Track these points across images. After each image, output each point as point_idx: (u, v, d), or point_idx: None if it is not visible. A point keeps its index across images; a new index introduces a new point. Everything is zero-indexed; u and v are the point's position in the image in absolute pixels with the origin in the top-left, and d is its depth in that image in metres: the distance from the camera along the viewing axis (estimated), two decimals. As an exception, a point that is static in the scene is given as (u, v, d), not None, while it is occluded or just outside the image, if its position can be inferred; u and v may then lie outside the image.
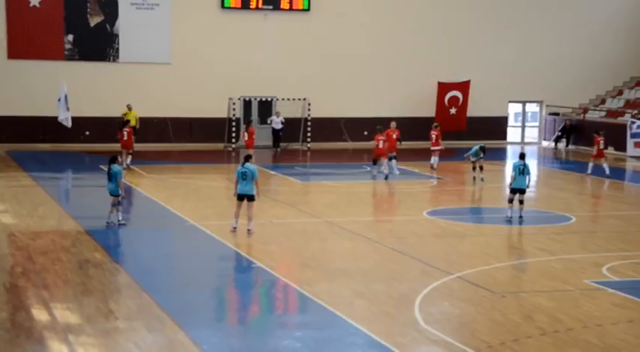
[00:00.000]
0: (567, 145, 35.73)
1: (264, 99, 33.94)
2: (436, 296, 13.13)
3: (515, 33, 36.39)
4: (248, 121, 29.78)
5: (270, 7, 33.95)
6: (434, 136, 27.80)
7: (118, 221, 17.89)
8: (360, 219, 19.76)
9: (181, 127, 32.99)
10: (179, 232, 18.02)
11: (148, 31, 32.93)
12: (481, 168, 24.83)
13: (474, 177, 25.05)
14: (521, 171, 18.88)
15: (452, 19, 35.75)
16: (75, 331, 11.43)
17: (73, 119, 30.39)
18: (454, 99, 35.35)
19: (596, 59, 37.36)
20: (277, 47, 34.11)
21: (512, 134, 38.03)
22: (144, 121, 31.69)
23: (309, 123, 34.00)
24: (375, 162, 25.98)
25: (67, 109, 30.15)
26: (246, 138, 27.81)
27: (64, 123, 30.32)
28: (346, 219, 19.39)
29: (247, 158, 17.56)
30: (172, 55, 33.30)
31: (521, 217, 18.90)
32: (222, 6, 33.65)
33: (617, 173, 28.87)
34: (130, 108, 31.10)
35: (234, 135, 32.76)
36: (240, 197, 17.15)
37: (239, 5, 33.73)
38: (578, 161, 31.82)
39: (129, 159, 26.51)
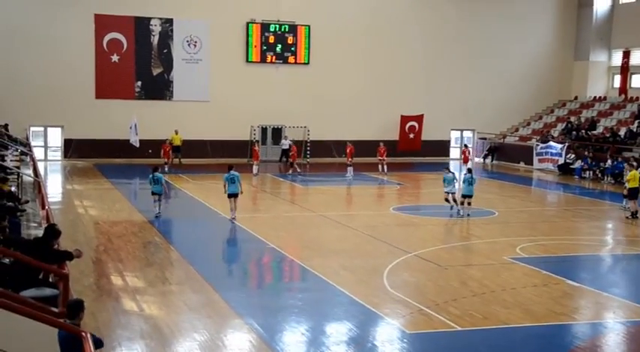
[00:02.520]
0: (492, 161, 35.75)
1: (276, 126, 33.88)
2: (399, 269, 13.09)
3: (457, 79, 36.26)
4: (253, 142, 29.53)
5: (281, 61, 33.93)
6: (382, 150, 28.73)
7: (159, 212, 18.02)
8: (345, 213, 19.77)
9: (216, 147, 32.93)
10: (214, 222, 17.90)
11: (193, 78, 32.78)
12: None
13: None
14: (470, 182, 18.79)
15: (411, 68, 35.71)
16: (141, 292, 11.43)
17: (140, 141, 30.31)
18: (412, 127, 35.28)
19: (513, 98, 37.34)
20: (285, 90, 34.03)
21: (453, 152, 38.05)
22: (189, 143, 31.57)
23: (308, 144, 33.94)
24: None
25: (136, 134, 30.06)
26: (253, 154, 28.22)
27: (134, 144, 30.26)
28: (335, 213, 19.36)
29: (231, 167, 17.82)
30: (210, 94, 33.17)
31: (469, 215, 18.66)
32: (247, 60, 33.64)
33: (526, 180, 28.93)
34: (176, 132, 31.06)
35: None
36: (231, 195, 17.48)
37: (258, 60, 33.69)
38: (499, 172, 31.84)
39: (166, 167, 26.89)
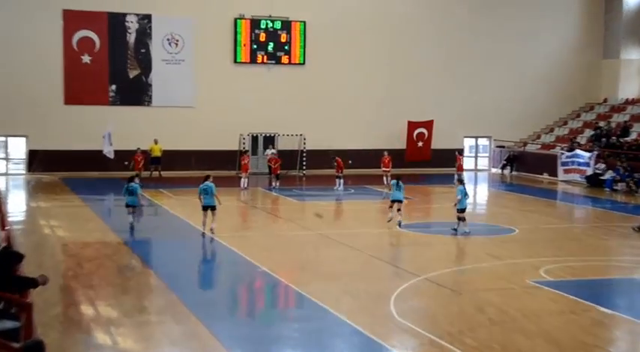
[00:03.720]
0: (511, 171, 35.76)
1: (268, 135, 33.87)
2: (407, 294, 13.02)
3: (470, 81, 36.32)
4: (242, 151, 29.53)
5: (273, 61, 33.98)
6: (387, 161, 28.98)
7: (133, 223, 18.38)
8: (346, 231, 19.69)
9: (201, 158, 32.83)
10: (198, 242, 17.87)
11: (175, 81, 32.80)
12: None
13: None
14: (464, 194, 18.75)
15: (419, 70, 35.75)
16: (115, 323, 11.33)
17: (115, 152, 30.24)
18: (421, 134, 35.32)
19: (534, 102, 37.36)
20: (278, 93, 34.04)
21: (467, 163, 38.02)
22: (170, 153, 31.53)
23: (304, 154, 33.93)
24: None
25: (110, 144, 30.03)
26: (242, 164, 28.33)
27: (108, 155, 30.21)
28: (335, 231, 19.34)
29: (207, 177, 18.16)
30: (194, 99, 33.21)
31: (467, 232, 18.52)
32: (235, 61, 33.68)
33: (550, 194, 28.92)
34: (156, 142, 31.13)
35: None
36: (206, 207, 17.89)
37: (248, 60, 33.73)
38: (520, 184, 31.83)
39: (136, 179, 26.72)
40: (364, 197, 26.92)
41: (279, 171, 28.87)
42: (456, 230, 18.68)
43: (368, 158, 32.61)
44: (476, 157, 38.44)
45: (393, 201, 19.58)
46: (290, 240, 18.35)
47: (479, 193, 30.77)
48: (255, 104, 33.64)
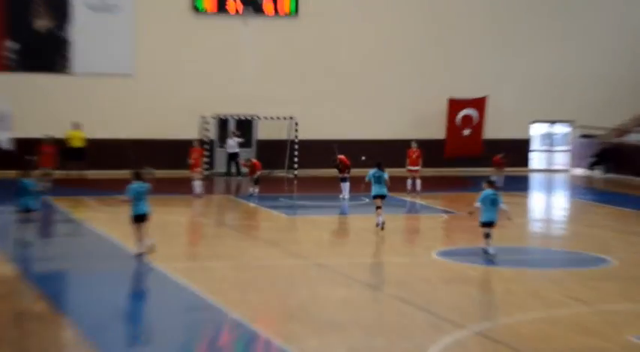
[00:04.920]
0: (604, 172, 35.63)
1: (242, 117, 33.91)
2: (448, 356, 12.87)
3: (542, 43, 36.57)
4: (193, 142, 29.38)
5: (251, 10, 34.05)
6: (415, 156, 29.25)
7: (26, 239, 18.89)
8: (357, 260, 19.62)
9: (145, 149, 32.70)
10: (138, 277, 17.85)
11: (107, 38, 32.95)
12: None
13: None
14: (494, 201, 19.21)
15: (466, 25, 35.93)
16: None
17: (13, 141, 30.37)
18: (467, 118, 35.48)
19: (635, 75, 37.44)
20: (259, 58, 34.25)
21: (537, 160, 37.87)
22: (99, 144, 31.76)
23: (296, 146, 34.01)
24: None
25: (8, 130, 30.10)
26: (191, 161, 28.44)
27: (3, 145, 30.21)
28: (340, 260, 19.33)
29: (138, 175, 18.84)
30: (136, 65, 33.36)
31: (491, 253, 19.13)
32: (195, 9, 33.72)
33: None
34: (76, 127, 31.38)
35: (207, 160, 32.66)
36: (140, 217, 18.34)
37: (214, 9, 33.81)
38: (616, 192, 31.67)
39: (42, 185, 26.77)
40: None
41: (258, 172, 28.89)
42: (487, 252, 19.24)
43: (387, 152, 32.58)
44: (551, 152, 38.34)
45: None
46: (274, 273, 18.23)
47: (555, 205, 30.67)
48: (225, 73, 33.79)
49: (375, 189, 22.20)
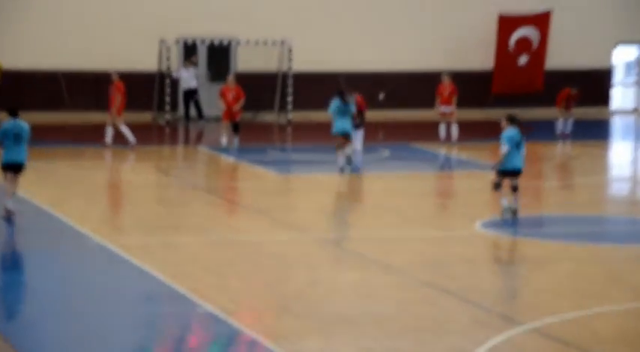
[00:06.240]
0: None
1: (217, 41, 34.12)
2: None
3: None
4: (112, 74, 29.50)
5: None
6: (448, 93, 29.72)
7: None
8: (373, 234, 19.65)
9: (85, 87, 33.11)
10: (79, 255, 17.85)
11: None
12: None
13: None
14: (519, 143, 19.78)
15: None
16: None
17: None
18: (525, 42, 35.57)
19: None
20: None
21: (621, 97, 37.89)
22: (20, 76, 32.29)
23: (289, 81, 34.26)
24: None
25: None
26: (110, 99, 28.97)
27: None
28: (350, 233, 19.54)
29: (14, 111, 19.31)
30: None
31: (515, 213, 19.85)
32: None
33: None
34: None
35: (168, 99, 32.94)
36: (10, 166, 18.96)
37: None
38: None
39: None
40: (407, 165, 27.14)
41: (238, 117, 29.15)
42: (511, 212, 20.04)
43: (413, 89, 32.51)
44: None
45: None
46: (261, 251, 18.31)
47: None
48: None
49: (337, 125, 23.21)
